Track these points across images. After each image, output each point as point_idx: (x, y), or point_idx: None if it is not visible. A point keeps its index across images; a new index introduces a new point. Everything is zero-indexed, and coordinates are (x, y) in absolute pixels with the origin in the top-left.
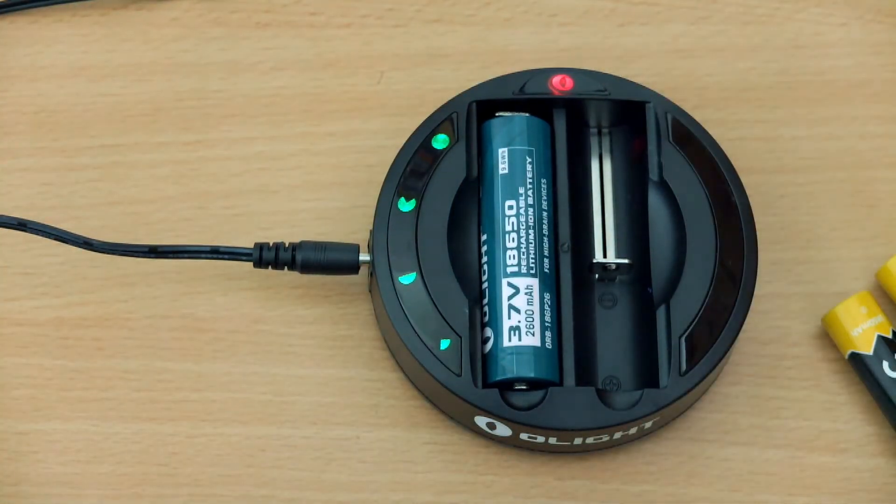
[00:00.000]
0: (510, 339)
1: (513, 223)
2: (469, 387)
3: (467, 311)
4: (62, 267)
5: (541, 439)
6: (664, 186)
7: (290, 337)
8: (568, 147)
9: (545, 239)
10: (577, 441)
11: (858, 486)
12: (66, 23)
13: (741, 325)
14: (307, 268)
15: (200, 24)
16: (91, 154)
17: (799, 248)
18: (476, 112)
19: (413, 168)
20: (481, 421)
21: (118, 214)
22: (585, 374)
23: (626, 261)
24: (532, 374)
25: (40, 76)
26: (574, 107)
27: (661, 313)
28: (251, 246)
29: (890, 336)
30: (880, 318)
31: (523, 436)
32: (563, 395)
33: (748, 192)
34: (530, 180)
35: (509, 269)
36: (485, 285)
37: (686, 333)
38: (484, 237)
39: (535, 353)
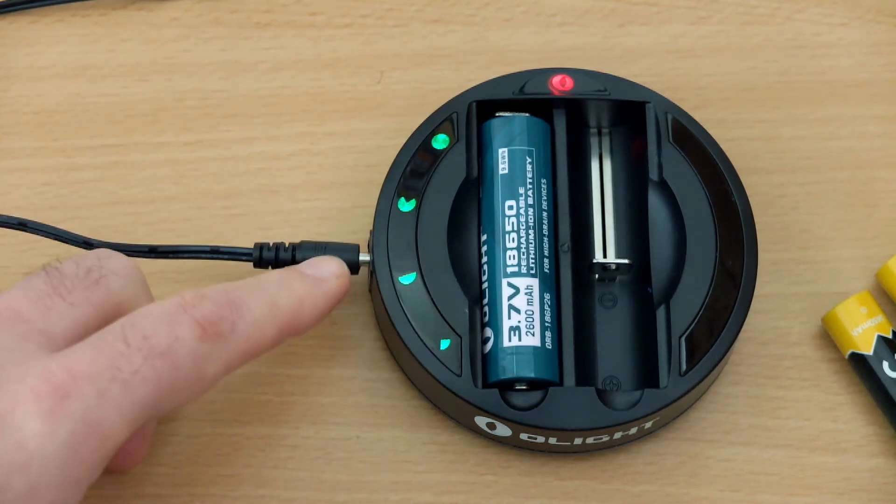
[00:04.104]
0: (510, 339)
1: (513, 223)
2: (469, 387)
3: (467, 311)
4: None
5: (541, 439)
6: (664, 186)
7: None
8: (568, 147)
9: (545, 239)
10: (577, 441)
11: (858, 486)
12: (66, 23)
13: (741, 325)
14: None
15: (200, 24)
16: (91, 154)
17: (799, 248)
18: (476, 112)
19: (413, 168)
20: (481, 421)
21: (118, 214)
22: (585, 374)
23: (626, 261)
24: (532, 374)
25: (40, 76)
26: (574, 107)
27: (661, 313)
28: (251, 246)
29: (890, 336)
30: (880, 318)
31: (523, 436)
32: (563, 395)
33: (748, 192)
34: (530, 180)
35: (509, 270)
36: (485, 285)
37: (686, 333)
38: (484, 237)
39: (535, 353)
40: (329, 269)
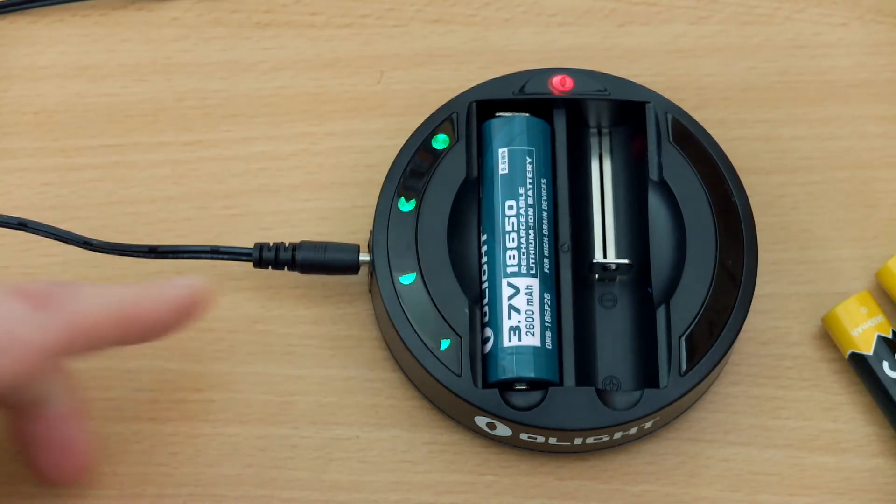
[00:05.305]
0: (510, 339)
1: (513, 223)
2: (469, 387)
3: (467, 311)
4: (62, 267)
5: (541, 439)
6: (664, 186)
7: (290, 337)
8: (568, 147)
9: (545, 239)
10: (577, 441)
11: (858, 486)
12: (66, 23)
13: (741, 325)
14: (307, 268)
15: (200, 24)
16: (91, 154)
17: (799, 248)
18: (476, 112)
19: (413, 168)
20: (481, 421)
21: (118, 214)
22: (585, 374)
23: (626, 261)
24: (532, 374)
25: (40, 76)
26: (574, 107)
27: (661, 313)
28: (251, 246)
29: (890, 336)
30: (880, 318)
31: (523, 436)
32: (563, 395)
33: (748, 192)
34: (530, 180)
35: (509, 269)
36: (485, 285)
37: (686, 333)
38: (484, 237)
39: (535, 353)
40: (180, 281)
